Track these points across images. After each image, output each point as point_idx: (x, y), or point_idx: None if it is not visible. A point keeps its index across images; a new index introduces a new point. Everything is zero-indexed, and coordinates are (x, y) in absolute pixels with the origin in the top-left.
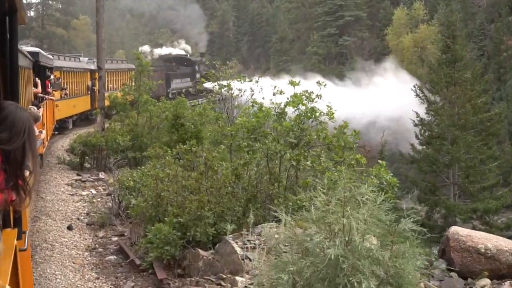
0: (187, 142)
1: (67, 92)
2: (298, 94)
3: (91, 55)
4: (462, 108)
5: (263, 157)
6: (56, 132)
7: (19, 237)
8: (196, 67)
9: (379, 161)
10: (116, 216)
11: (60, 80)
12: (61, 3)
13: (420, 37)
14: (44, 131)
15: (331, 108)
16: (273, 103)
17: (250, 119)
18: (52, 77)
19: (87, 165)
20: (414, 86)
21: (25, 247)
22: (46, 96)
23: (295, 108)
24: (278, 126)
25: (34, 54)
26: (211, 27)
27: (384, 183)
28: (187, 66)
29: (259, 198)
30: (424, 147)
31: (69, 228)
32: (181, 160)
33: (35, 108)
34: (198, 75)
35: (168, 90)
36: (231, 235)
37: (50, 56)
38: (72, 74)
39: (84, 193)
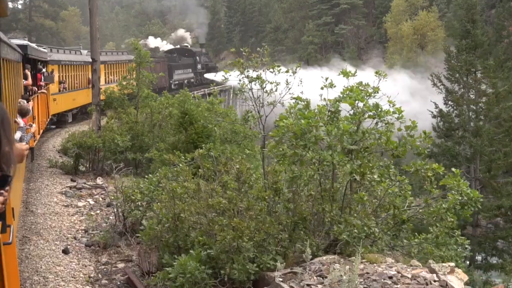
0: (197, 142)
1: (66, 85)
2: (355, 87)
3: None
4: (485, 97)
5: (315, 169)
6: (53, 126)
7: (3, 231)
8: (197, 57)
9: (453, 169)
10: (120, 234)
11: (54, 73)
12: None
13: (419, 24)
14: (34, 125)
15: (394, 105)
16: (324, 99)
17: (297, 121)
18: (44, 70)
19: (82, 168)
20: (431, 75)
21: (10, 240)
22: (36, 89)
23: (353, 106)
24: (334, 129)
25: (23, 47)
26: (202, 18)
27: (465, 197)
28: (188, 57)
29: (311, 222)
30: (443, 140)
31: (65, 251)
32: (199, 169)
33: (25, 101)
34: (199, 66)
35: (171, 82)
36: (280, 273)
37: (44, 50)
38: (71, 68)
39: (80, 203)
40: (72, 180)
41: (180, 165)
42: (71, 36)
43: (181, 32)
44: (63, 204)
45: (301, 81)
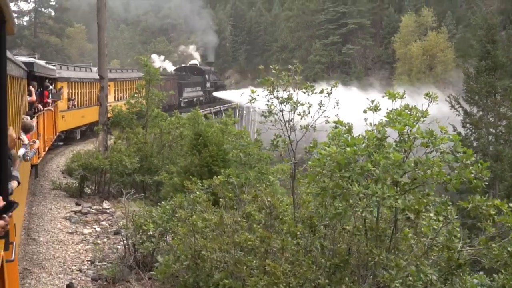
0: (211, 166)
1: (75, 103)
2: (403, 111)
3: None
4: (505, 120)
5: (363, 205)
6: (61, 143)
7: (6, 248)
8: (207, 76)
9: None
10: (130, 268)
11: (62, 90)
12: (55, 10)
13: (429, 45)
14: (37, 141)
15: (446, 131)
16: (370, 124)
17: (341, 149)
18: (51, 87)
19: (87, 190)
20: (449, 96)
21: (12, 258)
22: (41, 107)
23: (401, 132)
24: (382, 159)
25: (28, 64)
26: (194, 38)
27: None
28: (197, 75)
29: (354, 265)
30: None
31: (70, 287)
32: (217, 198)
33: (28, 118)
34: (208, 84)
35: (180, 99)
36: None
37: (53, 67)
38: (81, 85)
39: (86, 230)
40: (77, 204)
41: (197, 192)
42: (76, 53)
43: (188, 49)
44: (68, 231)
45: (337, 103)
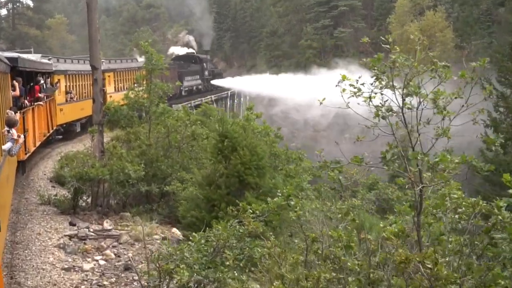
0: (243, 176)
1: (73, 95)
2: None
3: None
4: None
5: None
6: (60, 136)
7: None
8: (204, 64)
9: None
10: None
11: (58, 84)
12: (33, 0)
13: (427, 25)
14: (22, 136)
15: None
16: None
17: None
18: (42, 81)
19: (82, 202)
20: (480, 78)
21: None
22: (26, 102)
23: None
24: None
25: (12, 59)
26: (191, 25)
27: None
28: (195, 64)
29: None
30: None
31: None
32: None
33: (12, 112)
34: (206, 73)
35: (181, 88)
36: None
37: (48, 61)
38: (79, 77)
39: (86, 265)
40: (72, 224)
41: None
42: (57, 45)
43: (185, 36)
44: (63, 267)
45: None
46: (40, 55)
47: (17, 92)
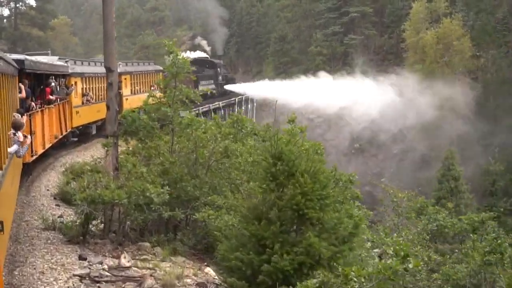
0: (304, 210)
1: (90, 98)
2: None
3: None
4: None
5: None
6: (76, 139)
7: None
8: (218, 69)
9: None
10: None
11: (73, 87)
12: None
13: (444, 33)
14: (28, 136)
15: None
16: None
17: None
18: (53, 83)
19: (92, 227)
20: None
21: None
22: (33, 104)
23: None
24: None
25: (19, 62)
26: (195, 29)
27: None
28: (209, 68)
29: None
30: None
31: None
32: None
33: (19, 115)
34: (220, 77)
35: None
36: None
37: (64, 63)
38: (96, 80)
39: None
40: (82, 258)
41: None
42: (60, 46)
43: (197, 40)
44: None
45: None
46: (57, 57)
47: (23, 94)
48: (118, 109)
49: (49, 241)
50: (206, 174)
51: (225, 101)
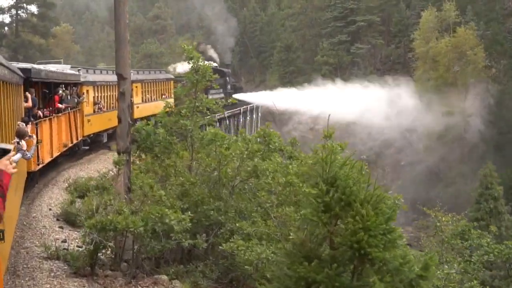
0: (366, 249)
1: (101, 106)
2: None
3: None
4: None
5: None
6: (87, 147)
7: None
8: (227, 78)
9: None
10: None
11: (84, 96)
12: (38, 6)
13: (458, 41)
14: (34, 136)
15: None
16: None
17: None
18: (61, 92)
19: (101, 255)
20: None
21: None
22: (39, 112)
23: None
24: None
25: (26, 70)
26: (198, 38)
27: None
28: (218, 77)
29: None
30: None
31: None
32: None
33: (23, 124)
34: (229, 86)
35: None
36: None
37: (76, 72)
38: (107, 88)
39: None
40: None
41: None
42: (62, 54)
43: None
44: None
45: None
46: (70, 66)
47: (29, 104)
48: (131, 121)
49: (52, 274)
50: (231, 196)
51: (230, 111)
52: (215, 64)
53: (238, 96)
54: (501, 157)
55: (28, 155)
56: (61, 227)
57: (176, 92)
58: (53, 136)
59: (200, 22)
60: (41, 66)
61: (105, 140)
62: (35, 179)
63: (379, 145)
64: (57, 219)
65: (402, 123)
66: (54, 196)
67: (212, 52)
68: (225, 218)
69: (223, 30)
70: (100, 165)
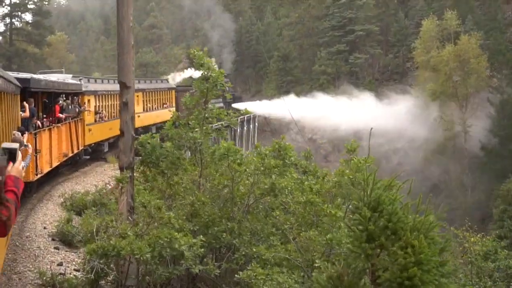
0: (419, 285)
1: (102, 115)
2: None
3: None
4: None
5: None
6: (88, 157)
7: None
8: (226, 87)
9: None
10: None
11: (84, 106)
12: (33, 14)
13: (461, 50)
14: (29, 145)
15: None
16: None
17: None
18: (61, 102)
19: (102, 282)
20: None
21: None
22: (38, 123)
23: None
24: None
25: (24, 81)
26: (193, 47)
27: None
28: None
29: None
30: None
31: None
32: None
33: (19, 133)
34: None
35: None
36: None
37: (77, 81)
38: (108, 97)
39: None
40: None
41: None
42: (56, 64)
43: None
44: None
45: None
46: (71, 75)
47: (27, 114)
48: (134, 134)
49: None
50: (245, 216)
51: (244, 115)
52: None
53: (236, 105)
54: (503, 168)
55: (23, 164)
56: (56, 248)
57: (185, 102)
58: (53, 146)
59: (195, 32)
60: (41, 76)
61: (106, 149)
62: (33, 190)
63: (377, 156)
64: (53, 239)
65: (401, 134)
66: (49, 213)
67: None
68: (239, 241)
69: (220, 40)
70: (96, 178)
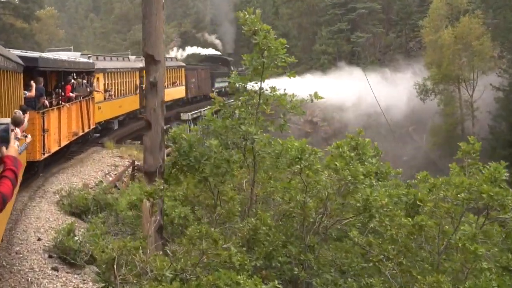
0: None
1: (112, 93)
2: None
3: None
4: None
5: None
6: (98, 134)
7: None
8: (232, 67)
9: None
10: None
11: (95, 82)
12: None
13: (462, 32)
14: (29, 135)
15: None
16: None
17: None
18: (73, 81)
19: None
20: None
21: None
22: (46, 102)
23: None
24: None
25: (32, 59)
26: (184, 26)
27: None
28: (222, 66)
29: None
30: None
31: None
32: None
33: (20, 112)
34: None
35: (213, 90)
36: None
37: (87, 60)
38: (118, 75)
39: None
40: None
41: None
42: (46, 40)
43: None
44: None
45: None
46: (80, 53)
47: (33, 93)
48: (164, 126)
49: None
50: (321, 243)
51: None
52: (218, 52)
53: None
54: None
55: (18, 150)
56: (55, 269)
57: (233, 83)
58: (62, 125)
59: (187, 10)
60: (50, 55)
61: (115, 127)
62: (40, 169)
63: (379, 138)
64: (49, 256)
65: (406, 117)
66: (43, 216)
67: (213, 39)
68: (321, 281)
69: (225, 19)
70: (94, 167)
